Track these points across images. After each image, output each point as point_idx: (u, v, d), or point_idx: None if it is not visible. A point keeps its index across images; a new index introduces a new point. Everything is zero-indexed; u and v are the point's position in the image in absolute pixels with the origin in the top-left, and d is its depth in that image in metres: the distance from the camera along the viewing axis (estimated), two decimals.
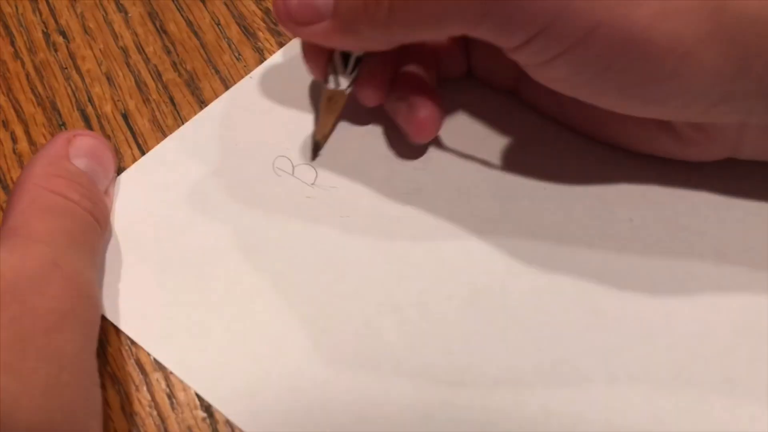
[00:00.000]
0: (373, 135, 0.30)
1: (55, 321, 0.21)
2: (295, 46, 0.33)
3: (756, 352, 0.25)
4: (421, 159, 0.29)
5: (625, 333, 0.25)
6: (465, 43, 0.30)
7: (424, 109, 0.28)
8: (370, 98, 0.28)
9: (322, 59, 0.27)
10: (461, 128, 0.30)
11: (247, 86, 0.32)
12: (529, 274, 0.27)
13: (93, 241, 0.25)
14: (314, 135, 0.30)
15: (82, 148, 0.26)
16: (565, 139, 0.30)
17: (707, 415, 0.24)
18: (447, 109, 0.30)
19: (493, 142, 0.30)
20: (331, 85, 0.28)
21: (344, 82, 0.27)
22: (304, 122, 0.30)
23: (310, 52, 0.28)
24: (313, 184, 0.29)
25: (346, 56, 0.27)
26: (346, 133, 0.30)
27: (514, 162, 0.29)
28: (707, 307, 0.26)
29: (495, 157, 0.29)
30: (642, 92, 0.23)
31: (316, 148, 0.29)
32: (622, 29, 0.21)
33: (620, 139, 0.29)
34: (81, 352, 0.22)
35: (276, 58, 0.33)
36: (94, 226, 0.25)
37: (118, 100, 0.31)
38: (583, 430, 0.24)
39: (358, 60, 0.27)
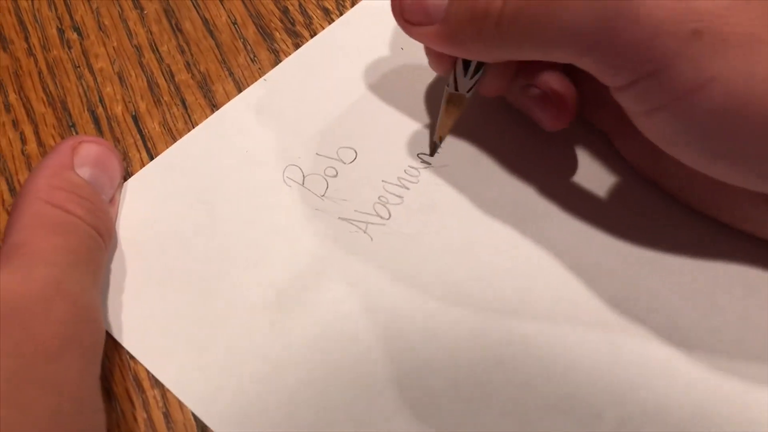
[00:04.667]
0: (394, 147, 0.29)
1: (58, 347, 0.20)
2: (311, 48, 0.32)
3: None
4: (440, 172, 0.28)
5: (643, 373, 0.24)
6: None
7: (559, 92, 0.25)
8: (490, 91, 0.27)
9: (446, 58, 0.26)
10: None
11: (261, 89, 0.31)
12: (542, 303, 0.25)
13: (97, 258, 0.24)
14: (432, 135, 0.29)
15: (87, 156, 0.26)
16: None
17: None
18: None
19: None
20: (452, 87, 0.27)
21: (466, 86, 0.26)
22: (317, 130, 0.29)
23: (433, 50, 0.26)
24: (323, 195, 0.28)
25: (468, 60, 0.26)
26: (365, 144, 0.29)
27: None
28: (730, 344, 0.24)
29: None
30: (760, 163, 0.20)
31: (434, 148, 0.29)
32: (739, 87, 0.19)
33: (723, 214, 0.26)
34: (83, 379, 0.21)
35: (291, 60, 0.31)
36: (97, 242, 0.24)
37: (129, 102, 0.31)
38: None
39: (481, 65, 0.26)
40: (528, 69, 0.26)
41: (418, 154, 0.29)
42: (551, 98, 0.25)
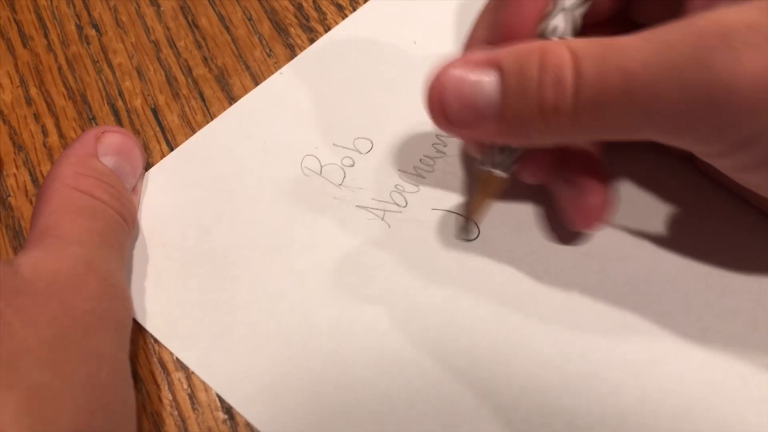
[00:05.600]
0: (409, 138, 0.30)
1: (93, 321, 0.21)
2: (326, 43, 0.32)
3: None
4: (455, 162, 0.29)
5: (660, 352, 0.24)
6: None
7: (595, 196, 0.24)
8: (532, 177, 0.25)
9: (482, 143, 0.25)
10: None
11: (277, 82, 0.31)
12: (558, 285, 0.26)
13: (122, 241, 0.25)
14: (466, 215, 0.28)
15: (110, 145, 0.26)
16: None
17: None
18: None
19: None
20: (488, 167, 0.25)
21: (503, 166, 0.24)
22: (333, 121, 0.30)
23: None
24: (341, 184, 0.29)
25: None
26: (380, 135, 0.30)
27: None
28: (745, 324, 0.25)
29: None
30: None
31: (470, 230, 0.27)
32: None
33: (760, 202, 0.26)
34: (117, 353, 0.22)
35: (307, 54, 0.32)
36: (122, 226, 0.25)
37: (148, 95, 0.31)
38: None
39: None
40: (571, 161, 0.25)
41: (433, 144, 0.29)
42: (587, 203, 0.25)
